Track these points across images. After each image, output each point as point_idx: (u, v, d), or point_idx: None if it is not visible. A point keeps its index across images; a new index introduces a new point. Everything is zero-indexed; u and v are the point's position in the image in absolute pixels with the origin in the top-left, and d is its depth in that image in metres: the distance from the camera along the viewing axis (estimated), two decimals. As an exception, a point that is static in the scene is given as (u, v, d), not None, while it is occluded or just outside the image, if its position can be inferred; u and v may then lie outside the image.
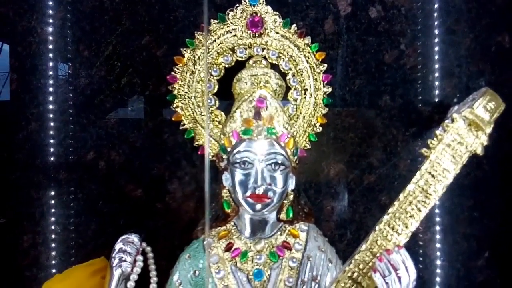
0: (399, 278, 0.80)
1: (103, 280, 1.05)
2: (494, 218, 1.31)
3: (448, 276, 1.28)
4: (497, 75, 1.29)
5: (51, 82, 1.22)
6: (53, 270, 1.20)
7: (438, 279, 1.26)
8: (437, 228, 1.27)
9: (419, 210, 0.89)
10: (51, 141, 1.22)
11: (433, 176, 0.90)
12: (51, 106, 1.21)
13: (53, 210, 1.22)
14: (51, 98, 1.21)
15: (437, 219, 1.28)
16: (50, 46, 1.22)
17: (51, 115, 1.22)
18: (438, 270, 1.27)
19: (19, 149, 1.22)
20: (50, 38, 1.22)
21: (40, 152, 1.23)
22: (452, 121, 0.94)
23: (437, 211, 1.27)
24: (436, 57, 1.28)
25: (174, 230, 1.21)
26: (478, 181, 1.28)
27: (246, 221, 1.01)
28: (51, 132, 1.22)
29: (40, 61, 1.22)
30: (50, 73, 1.23)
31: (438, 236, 1.27)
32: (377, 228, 0.88)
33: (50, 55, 1.22)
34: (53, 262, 1.22)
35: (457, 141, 0.92)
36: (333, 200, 1.26)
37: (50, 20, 1.22)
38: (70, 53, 1.24)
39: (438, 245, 1.27)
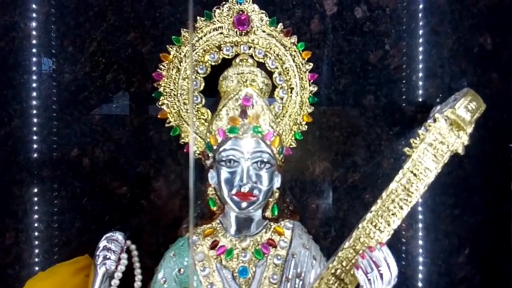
0: (381, 275, 0.82)
1: (87, 278, 1.06)
2: (474, 216, 1.34)
3: (430, 273, 1.30)
4: (479, 75, 1.31)
5: (34, 77, 1.21)
6: (36, 268, 1.19)
7: (420, 275, 1.29)
8: (420, 225, 1.29)
9: (401, 208, 0.91)
10: (34, 137, 1.21)
11: (415, 174, 0.92)
12: (34, 102, 1.20)
13: (36, 208, 1.21)
14: (34, 94, 1.20)
15: (420, 216, 1.29)
16: (34, 41, 1.20)
17: (35, 111, 1.20)
18: (421, 267, 1.29)
19: (1, 145, 1.20)
20: (34, 33, 1.20)
21: (23, 148, 1.21)
22: (434, 121, 0.96)
23: (420, 208, 1.28)
24: (420, 58, 1.29)
25: (159, 228, 1.21)
26: (460, 179, 1.31)
27: (231, 219, 1.02)
28: (34, 129, 1.21)
29: (23, 56, 1.20)
30: (34, 68, 1.21)
31: (420, 233, 1.29)
32: (360, 225, 0.90)
33: (34, 50, 1.20)
34: (36, 259, 1.21)
35: (438, 141, 0.94)
36: (318, 198, 1.27)
37: (34, 15, 1.19)
38: (54, 48, 1.22)
39: (420, 242, 1.29)
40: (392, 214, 0.89)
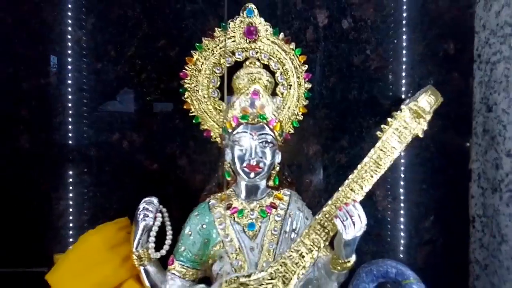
0: (353, 223, 1.00)
1: (128, 234, 1.25)
2: (438, 189, 1.51)
3: (405, 237, 1.50)
4: (443, 75, 1.48)
5: (84, 75, 1.43)
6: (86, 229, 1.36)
7: (401, 240, 1.51)
8: (402, 197, 1.49)
9: (372, 176, 1.10)
10: (84, 124, 1.43)
11: (383, 152, 1.12)
12: (84, 96, 1.43)
13: (85, 180, 1.44)
14: (84, 88, 1.43)
15: (401, 190, 1.48)
16: (84, 45, 1.42)
17: (84, 104, 1.43)
18: (402, 233, 1.49)
19: (57, 131, 1.43)
20: (84, 38, 1.42)
21: (75, 134, 1.44)
22: (401, 111, 1.14)
23: (401, 183, 1.48)
24: (394, 62, 1.48)
25: (184, 197, 1.39)
26: (426, 160, 1.50)
27: (242, 187, 1.23)
28: (84, 118, 1.43)
29: (76, 58, 1.42)
30: (84, 66, 1.43)
31: (402, 204, 1.49)
32: (340, 189, 1.09)
33: (84, 52, 1.43)
34: (85, 223, 1.44)
35: (403, 126, 1.13)
36: (311, 174, 1.49)
37: (83, 24, 1.42)
38: (100, 52, 1.43)
39: (402, 211, 1.49)
40: (365, 181, 1.09)
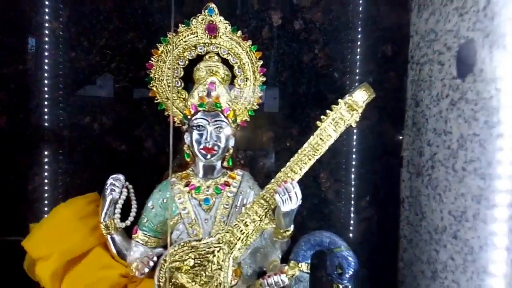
0: (290, 198, 1.16)
1: (97, 207, 1.34)
2: (374, 174, 1.69)
3: (344, 214, 1.70)
4: (381, 73, 1.65)
5: (60, 64, 1.54)
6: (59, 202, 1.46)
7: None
8: (342, 180, 1.67)
9: (309, 159, 1.24)
10: (59, 108, 1.55)
11: (321, 139, 1.26)
12: (60, 81, 1.55)
13: (59, 158, 1.57)
14: (60, 74, 1.55)
15: (342, 173, 1.67)
16: (55, 36, 1.53)
17: (59, 89, 1.56)
18: (342, 212, 1.69)
19: (34, 115, 1.56)
20: (59, 30, 1.53)
21: (49, 116, 1.56)
22: (337, 104, 1.29)
23: (343, 167, 1.68)
24: (339, 60, 1.64)
25: (148, 175, 1.49)
26: (364, 148, 1.67)
27: (199, 167, 1.36)
28: (60, 102, 1.55)
29: (51, 47, 1.53)
30: (60, 54, 1.54)
31: (343, 186, 1.67)
32: (282, 170, 1.24)
33: (55, 43, 1.54)
34: (58, 198, 1.56)
35: (339, 117, 1.27)
36: (264, 158, 1.64)
37: (58, 16, 1.52)
38: (74, 42, 1.55)
39: (342, 192, 1.68)
40: (303, 163, 1.24)
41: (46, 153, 1.57)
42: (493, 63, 1.10)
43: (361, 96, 1.30)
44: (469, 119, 1.21)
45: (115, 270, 1.31)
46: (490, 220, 1.09)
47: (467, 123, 1.22)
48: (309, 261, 1.35)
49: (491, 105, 1.10)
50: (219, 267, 1.21)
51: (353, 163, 1.68)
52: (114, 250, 1.32)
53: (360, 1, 1.64)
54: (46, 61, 1.54)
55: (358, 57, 1.65)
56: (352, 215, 1.71)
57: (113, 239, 1.32)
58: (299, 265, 1.33)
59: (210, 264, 1.21)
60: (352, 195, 1.70)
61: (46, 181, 1.58)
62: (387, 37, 1.66)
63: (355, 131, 1.68)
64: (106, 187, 1.32)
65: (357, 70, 1.65)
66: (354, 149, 1.67)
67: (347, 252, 1.34)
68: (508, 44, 1.04)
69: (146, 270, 1.21)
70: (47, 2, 1.54)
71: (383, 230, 1.72)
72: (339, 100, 1.30)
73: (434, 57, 1.43)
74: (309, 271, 1.34)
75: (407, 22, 1.63)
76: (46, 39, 1.54)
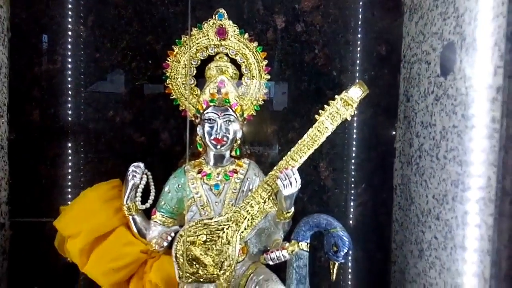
0: (290, 183, 1.30)
1: (120, 192, 1.48)
2: (369, 163, 1.80)
3: (341, 200, 1.82)
4: (376, 71, 1.75)
5: (84, 65, 1.69)
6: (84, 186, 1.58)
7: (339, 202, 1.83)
8: (340, 169, 1.79)
9: (308, 149, 1.37)
10: (83, 104, 1.69)
11: (319, 131, 1.38)
12: (86, 81, 1.70)
13: (83, 149, 1.71)
14: (85, 73, 1.69)
15: (339, 162, 1.79)
16: (82, 39, 1.68)
17: (85, 87, 1.69)
18: (340, 197, 1.81)
19: (66, 110, 1.69)
20: (83, 33, 1.68)
21: (76, 110, 1.70)
22: (334, 99, 1.41)
23: (341, 157, 1.80)
24: (337, 59, 1.74)
25: (165, 163, 1.63)
26: (361, 139, 1.78)
27: (210, 156, 1.49)
28: (85, 98, 1.69)
29: (77, 49, 1.68)
30: (83, 58, 1.69)
31: (340, 174, 1.79)
32: (284, 158, 1.38)
33: (81, 45, 1.69)
34: (84, 184, 1.69)
35: (335, 111, 1.39)
36: (269, 148, 1.76)
37: (82, 21, 1.67)
38: (97, 44, 1.69)
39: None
40: (303, 153, 1.37)
41: (74, 143, 1.72)
42: (468, 63, 1.25)
43: (355, 92, 1.43)
44: (449, 113, 1.36)
45: (136, 247, 1.45)
46: (465, 201, 1.24)
47: (448, 116, 1.36)
48: (308, 241, 1.48)
49: (466, 100, 1.25)
50: (228, 242, 1.37)
51: (350, 153, 1.81)
52: (135, 229, 1.47)
53: (357, 6, 1.76)
54: (72, 61, 1.69)
55: (354, 56, 1.76)
56: (348, 201, 1.84)
57: (134, 220, 1.47)
58: (299, 243, 1.47)
59: (220, 239, 1.37)
60: (349, 183, 1.83)
61: (74, 168, 1.73)
62: (381, 38, 1.77)
63: (355, 124, 1.80)
64: (128, 174, 1.46)
65: (354, 69, 1.77)
66: (351, 140, 1.80)
67: (342, 232, 1.46)
68: (479, 47, 1.18)
69: (165, 244, 1.38)
70: (71, 7, 1.68)
71: (377, 214, 1.85)
72: (336, 96, 1.42)
73: (422, 57, 1.57)
74: (308, 250, 1.47)
75: (400, 24, 1.76)
76: (72, 41, 1.68)
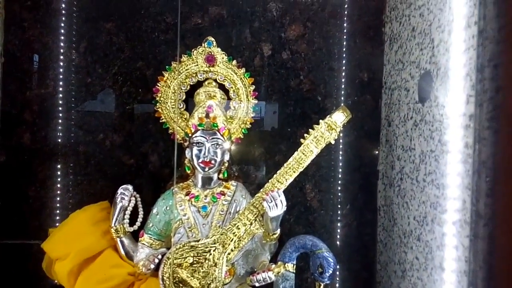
0: (276, 205, 1.34)
1: (108, 214, 1.50)
2: (354, 184, 1.84)
3: (327, 221, 1.86)
4: (358, 96, 1.82)
5: (75, 89, 1.72)
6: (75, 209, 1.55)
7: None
8: (325, 190, 1.83)
9: (294, 172, 1.42)
10: (76, 127, 1.71)
11: (304, 154, 1.44)
12: (73, 105, 1.73)
13: (73, 171, 1.73)
14: (76, 97, 1.73)
15: (325, 184, 1.83)
16: (74, 64, 1.72)
17: (77, 111, 1.73)
18: (325, 218, 1.85)
19: (56, 133, 1.72)
20: (76, 59, 1.72)
21: (66, 133, 1.72)
22: (319, 124, 1.47)
23: (326, 178, 1.84)
24: (322, 85, 1.80)
25: (153, 186, 1.69)
26: (345, 162, 1.83)
27: (198, 178, 1.52)
28: (76, 121, 1.72)
29: (69, 73, 1.71)
30: (74, 82, 1.72)
31: (326, 196, 1.83)
32: (270, 181, 1.43)
33: (73, 70, 1.72)
34: (73, 206, 1.69)
35: (319, 135, 1.45)
36: (256, 170, 1.80)
37: (74, 46, 1.72)
38: (89, 69, 1.73)
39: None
40: (288, 175, 1.42)
41: (63, 166, 1.74)
42: (442, 92, 1.32)
43: (339, 117, 1.49)
44: (427, 138, 1.42)
45: (123, 269, 1.46)
46: (443, 223, 1.30)
47: (426, 141, 1.43)
48: (294, 262, 1.49)
49: (442, 127, 1.32)
50: (215, 264, 1.40)
51: (335, 175, 1.86)
52: (122, 252, 1.48)
53: (340, 34, 1.84)
54: (64, 85, 1.73)
55: (338, 82, 1.84)
56: (334, 222, 1.87)
57: (122, 242, 1.48)
58: (286, 265, 1.48)
59: (206, 261, 1.40)
60: (334, 204, 1.87)
61: (63, 190, 1.74)
62: (363, 65, 1.84)
63: (340, 146, 1.86)
64: (117, 196, 1.48)
65: (339, 94, 1.84)
66: (335, 163, 1.85)
67: (327, 253, 1.49)
68: (452, 77, 1.25)
69: (152, 266, 1.39)
70: (64, 33, 1.73)
71: (362, 235, 1.88)
72: (320, 121, 1.48)
73: (402, 84, 1.65)
74: (294, 271, 1.49)
75: (381, 53, 1.84)
76: (64, 65, 1.73)
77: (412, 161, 1.53)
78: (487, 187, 1.10)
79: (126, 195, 1.48)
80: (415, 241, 1.49)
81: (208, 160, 1.48)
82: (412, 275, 1.51)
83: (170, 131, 1.62)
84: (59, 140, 1.74)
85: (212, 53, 1.59)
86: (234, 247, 1.42)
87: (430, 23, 1.43)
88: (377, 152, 1.87)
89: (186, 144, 1.55)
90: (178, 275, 1.38)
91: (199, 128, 1.50)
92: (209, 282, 1.38)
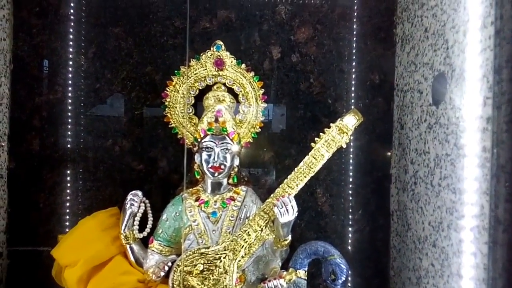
0: (287, 210, 1.32)
1: (118, 220, 1.50)
2: (366, 189, 1.81)
3: (339, 226, 1.83)
4: (370, 99, 1.80)
5: (84, 95, 1.73)
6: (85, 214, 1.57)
7: (337, 228, 1.85)
8: (337, 195, 1.81)
9: (305, 177, 1.40)
10: (85, 133, 1.72)
11: (315, 158, 1.41)
12: (86, 110, 1.73)
13: (83, 176, 1.72)
14: (85, 102, 1.73)
15: (337, 189, 1.81)
16: (83, 69, 1.72)
17: (86, 116, 1.73)
18: (337, 223, 1.83)
19: (65, 139, 1.72)
20: (84, 64, 1.72)
21: (76, 140, 1.72)
22: (330, 127, 1.45)
23: (337, 183, 1.81)
24: (332, 88, 1.78)
25: (163, 191, 1.69)
26: (357, 165, 1.80)
27: (208, 183, 1.50)
28: (85, 127, 1.73)
29: (78, 79, 1.71)
30: (83, 87, 1.72)
31: (337, 200, 1.81)
32: (280, 186, 1.41)
33: (82, 75, 1.72)
34: (83, 212, 1.70)
35: (331, 139, 1.43)
36: (266, 175, 1.78)
37: (83, 51, 1.72)
38: (97, 75, 1.73)
39: (337, 206, 1.83)
40: (299, 180, 1.40)
41: (73, 172, 1.74)
42: (458, 94, 1.28)
43: (350, 120, 1.46)
44: (442, 141, 1.38)
45: (133, 276, 1.44)
46: (460, 229, 1.26)
47: (441, 145, 1.39)
48: (306, 268, 1.47)
49: (458, 129, 1.28)
50: (225, 271, 1.38)
51: (347, 179, 1.83)
52: (132, 258, 1.47)
53: (351, 36, 1.81)
54: (73, 91, 1.73)
55: (349, 85, 1.81)
56: (345, 227, 1.84)
57: (131, 248, 1.47)
58: (297, 271, 1.46)
59: (217, 268, 1.38)
60: (346, 209, 1.84)
61: (72, 197, 1.74)
62: (374, 67, 1.82)
63: (351, 150, 1.83)
64: (126, 202, 1.48)
65: (349, 96, 1.81)
66: (347, 167, 1.82)
67: (340, 259, 1.47)
68: (468, 79, 1.22)
69: (162, 273, 1.38)
70: (73, 39, 1.73)
71: (375, 240, 1.85)
72: (331, 124, 1.45)
73: (414, 86, 1.61)
74: (306, 278, 1.47)
75: (393, 54, 1.81)
76: (73, 71, 1.72)
77: (426, 165, 1.49)
78: (506, 192, 1.06)
79: (135, 201, 1.47)
80: (431, 247, 1.46)
81: (217, 165, 1.46)
82: (427, 282, 1.47)
83: (179, 136, 1.62)
84: (68, 146, 1.74)
85: (221, 57, 1.58)
86: (245, 254, 1.40)
87: (443, 23, 1.39)
88: (389, 155, 1.83)
89: (195, 149, 1.54)
90: (188, 283, 1.36)
91: (208, 133, 1.48)
92: (219, 290, 1.36)
